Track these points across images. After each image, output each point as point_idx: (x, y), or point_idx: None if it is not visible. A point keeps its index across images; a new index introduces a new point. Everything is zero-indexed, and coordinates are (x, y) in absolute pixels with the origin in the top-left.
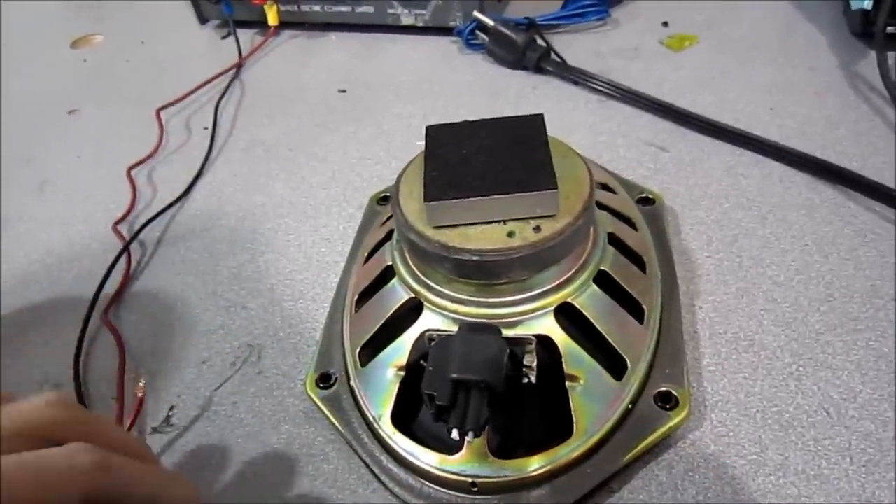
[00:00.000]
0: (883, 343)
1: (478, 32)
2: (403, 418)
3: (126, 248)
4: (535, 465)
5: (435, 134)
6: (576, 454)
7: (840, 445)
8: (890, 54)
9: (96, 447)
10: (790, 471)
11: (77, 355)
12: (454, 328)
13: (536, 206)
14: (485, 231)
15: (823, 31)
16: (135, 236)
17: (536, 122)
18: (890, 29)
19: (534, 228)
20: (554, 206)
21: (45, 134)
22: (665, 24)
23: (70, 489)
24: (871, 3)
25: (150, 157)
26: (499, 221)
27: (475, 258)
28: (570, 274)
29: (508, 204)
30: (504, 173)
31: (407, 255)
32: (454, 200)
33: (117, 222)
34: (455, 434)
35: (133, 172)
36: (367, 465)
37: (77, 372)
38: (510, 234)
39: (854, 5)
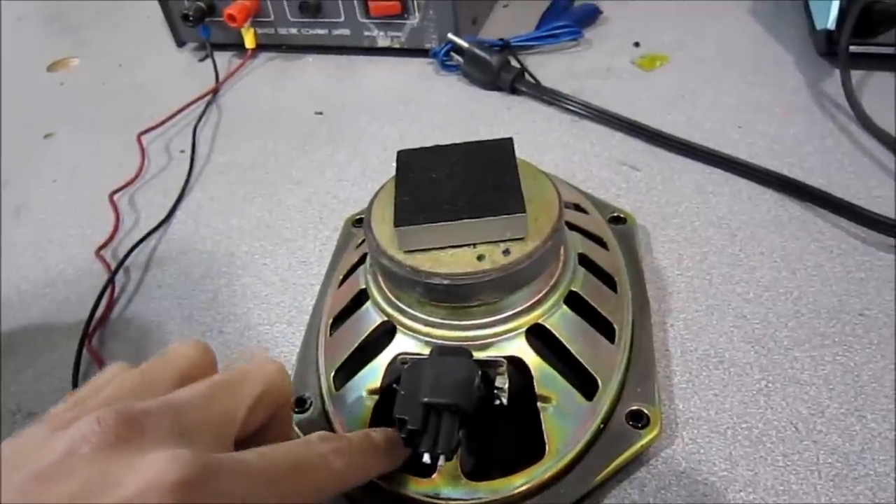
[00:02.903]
0: (849, 357)
1: (453, 54)
2: None
3: (113, 275)
4: (509, 486)
5: (406, 159)
6: (549, 475)
7: (808, 460)
8: (854, 73)
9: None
10: (760, 486)
11: (75, 387)
12: (427, 351)
13: (505, 230)
14: (455, 255)
15: (790, 51)
16: (121, 263)
17: (506, 145)
18: (853, 48)
19: (503, 252)
20: (523, 229)
21: (20, 158)
22: (637, 44)
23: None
24: (835, 23)
25: (132, 182)
26: (469, 245)
27: (446, 282)
28: (540, 295)
29: (478, 228)
30: (473, 197)
31: (380, 279)
32: (424, 225)
33: (100, 248)
34: (427, 458)
35: (115, 197)
36: None
37: None
38: (480, 258)
39: (819, 25)
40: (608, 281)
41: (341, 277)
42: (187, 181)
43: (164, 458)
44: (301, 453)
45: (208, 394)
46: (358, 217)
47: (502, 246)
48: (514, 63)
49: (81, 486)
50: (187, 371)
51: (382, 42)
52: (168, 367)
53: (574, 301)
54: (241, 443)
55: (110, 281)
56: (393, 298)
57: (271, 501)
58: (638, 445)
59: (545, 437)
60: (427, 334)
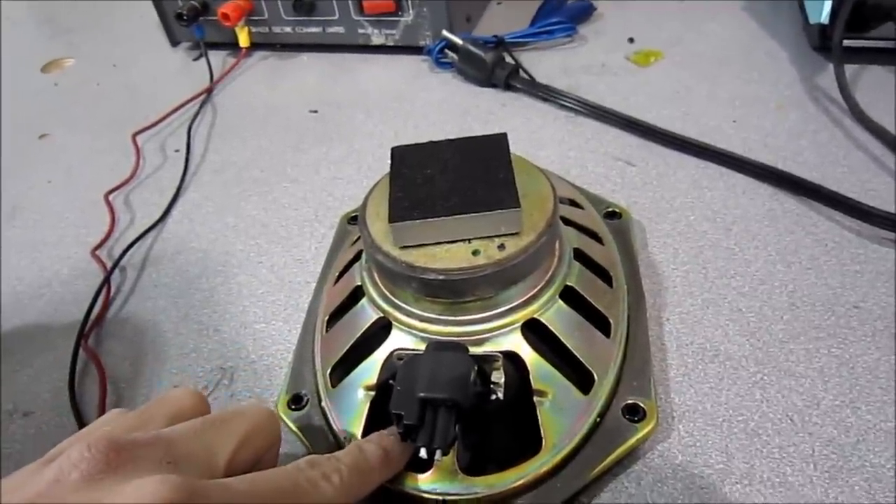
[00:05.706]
0: (844, 350)
1: (447, 51)
2: None
3: (109, 275)
4: (505, 481)
5: (400, 155)
6: (545, 469)
7: (804, 452)
8: (847, 67)
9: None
10: (756, 479)
11: (71, 386)
12: (423, 347)
13: (500, 225)
14: (450, 250)
15: (784, 45)
16: (117, 262)
17: (500, 141)
18: (846, 42)
19: (498, 247)
20: (517, 224)
21: (15, 159)
22: (631, 40)
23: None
24: (829, 18)
25: (127, 181)
26: (464, 240)
27: (441, 277)
28: (535, 290)
29: (473, 223)
30: (468, 193)
31: (375, 275)
32: (419, 221)
33: (96, 248)
34: (423, 453)
35: (111, 197)
36: None
37: (74, 403)
38: (475, 253)
39: (812, 20)
40: (604, 275)
41: (337, 274)
42: (182, 180)
43: (152, 481)
44: (289, 478)
45: (199, 428)
46: (353, 214)
47: (497, 241)
48: (508, 60)
49: None
50: (180, 412)
51: (377, 40)
52: (163, 408)
53: (569, 296)
54: None
55: (106, 280)
56: (388, 295)
57: None
58: (634, 439)
59: (541, 431)
60: (423, 330)
